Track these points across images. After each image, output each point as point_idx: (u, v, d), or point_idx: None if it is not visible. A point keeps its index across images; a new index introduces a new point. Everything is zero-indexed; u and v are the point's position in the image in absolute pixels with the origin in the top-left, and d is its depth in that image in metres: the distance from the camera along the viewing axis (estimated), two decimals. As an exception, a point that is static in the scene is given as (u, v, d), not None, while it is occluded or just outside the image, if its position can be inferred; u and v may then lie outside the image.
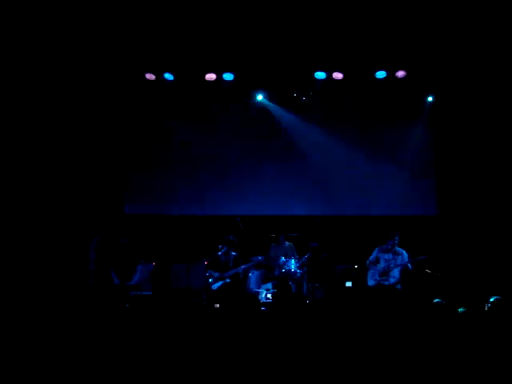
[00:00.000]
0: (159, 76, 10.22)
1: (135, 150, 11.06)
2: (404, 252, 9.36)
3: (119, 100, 10.74)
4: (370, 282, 9.40)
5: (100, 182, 10.68)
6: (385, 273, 9.28)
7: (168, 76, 10.24)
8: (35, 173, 10.19)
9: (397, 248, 9.36)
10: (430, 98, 10.74)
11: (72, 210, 10.36)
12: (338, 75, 10.03)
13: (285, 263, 9.50)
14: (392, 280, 9.23)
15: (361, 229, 10.68)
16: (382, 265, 9.34)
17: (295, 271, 9.51)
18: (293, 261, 9.56)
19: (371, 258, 9.47)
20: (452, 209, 10.65)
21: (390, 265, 9.27)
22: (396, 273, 9.29)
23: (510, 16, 8.33)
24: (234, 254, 9.28)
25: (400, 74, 10.03)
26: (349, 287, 9.05)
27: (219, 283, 9.08)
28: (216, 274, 9.09)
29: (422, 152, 11.00)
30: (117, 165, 10.88)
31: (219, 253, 9.14)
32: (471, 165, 10.48)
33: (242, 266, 9.25)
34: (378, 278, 9.30)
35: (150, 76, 10.19)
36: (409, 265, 9.21)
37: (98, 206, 10.52)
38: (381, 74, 10.10)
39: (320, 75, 10.13)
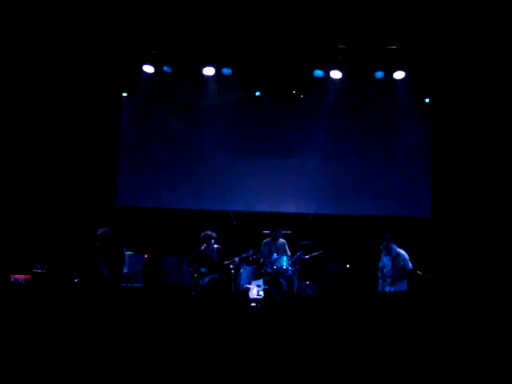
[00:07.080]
0: (158, 68, 10.14)
1: (128, 142, 11.06)
2: (401, 253, 9.08)
3: (112, 94, 10.74)
4: (379, 288, 9.19)
5: (91, 174, 10.66)
6: (384, 277, 9.15)
7: (166, 68, 10.16)
8: (31, 167, 10.22)
9: (395, 250, 9.09)
10: (427, 100, 10.75)
11: (63, 203, 10.35)
12: (336, 74, 9.99)
13: (277, 260, 9.50)
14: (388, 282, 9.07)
15: (354, 228, 10.69)
16: (386, 268, 9.17)
17: (287, 268, 9.51)
18: (285, 258, 9.56)
19: (380, 262, 9.28)
20: (446, 212, 10.66)
21: (388, 268, 9.13)
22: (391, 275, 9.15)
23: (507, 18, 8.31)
24: (216, 246, 9.24)
25: (398, 74, 10.01)
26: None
27: (207, 278, 9.04)
28: (203, 270, 9.05)
29: (419, 154, 11.01)
30: (108, 157, 10.87)
31: (202, 248, 9.11)
32: (468, 168, 10.50)
33: (236, 258, 9.25)
34: (382, 283, 9.13)
35: (148, 68, 10.12)
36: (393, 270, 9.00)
37: (89, 199, 10.53)
38: (379, 75, 10.08)
39: (318, 73, 10.08)
